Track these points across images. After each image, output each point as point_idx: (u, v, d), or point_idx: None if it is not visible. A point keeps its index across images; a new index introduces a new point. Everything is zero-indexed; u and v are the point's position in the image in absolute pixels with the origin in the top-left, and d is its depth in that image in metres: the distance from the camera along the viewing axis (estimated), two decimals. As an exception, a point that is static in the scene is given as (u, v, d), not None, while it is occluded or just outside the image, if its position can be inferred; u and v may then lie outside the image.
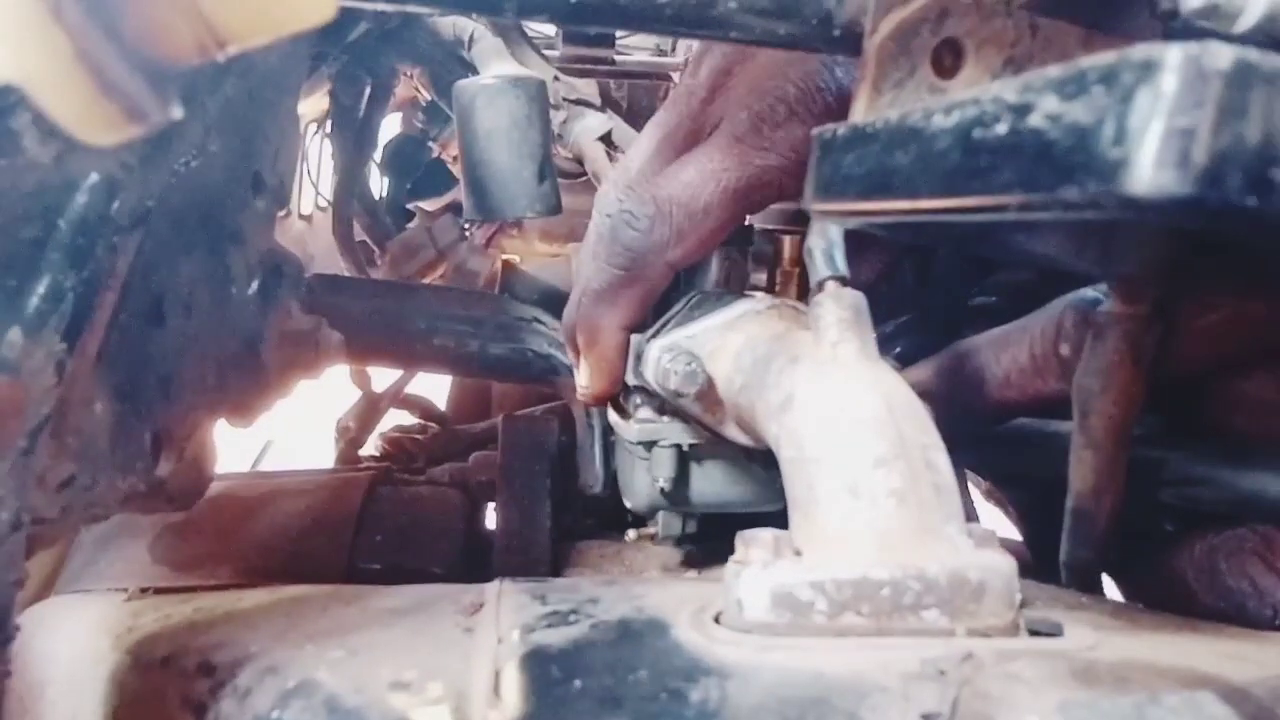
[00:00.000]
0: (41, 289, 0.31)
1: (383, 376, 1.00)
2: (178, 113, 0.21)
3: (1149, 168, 0.17)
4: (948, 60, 0.36)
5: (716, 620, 0.34)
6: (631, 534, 0.72)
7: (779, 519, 0.40)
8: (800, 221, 0.68)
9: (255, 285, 0.54)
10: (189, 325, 0.45)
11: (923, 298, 0.96)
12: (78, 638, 0.45)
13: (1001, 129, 0.21)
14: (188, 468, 0.47)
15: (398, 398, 0.98)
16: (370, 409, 0.95)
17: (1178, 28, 0.26)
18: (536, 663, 0.31)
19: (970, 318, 0.84)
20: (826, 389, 0.39)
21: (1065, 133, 0.19)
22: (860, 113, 0.34)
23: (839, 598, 0.33)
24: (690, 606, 0.36)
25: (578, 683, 0.29)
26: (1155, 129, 0.17)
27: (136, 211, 0.37)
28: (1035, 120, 0.20)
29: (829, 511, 0.36)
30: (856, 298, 0.43)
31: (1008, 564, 0.35)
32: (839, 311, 0.42)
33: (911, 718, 0.25)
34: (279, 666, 0.33)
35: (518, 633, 0.34)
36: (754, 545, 0.35)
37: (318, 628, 0.38)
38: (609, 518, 0.76)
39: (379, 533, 0.65)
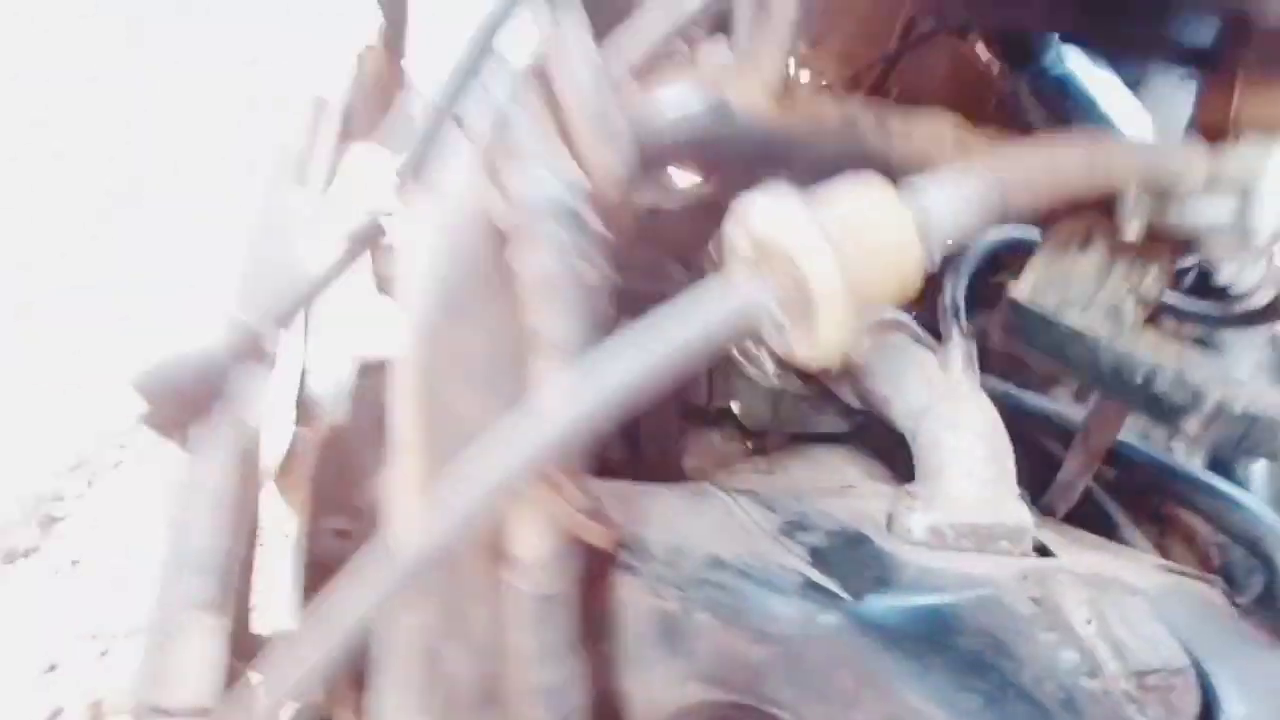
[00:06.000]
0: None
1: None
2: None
3: None
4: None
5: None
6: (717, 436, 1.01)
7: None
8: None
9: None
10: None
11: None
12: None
13: None
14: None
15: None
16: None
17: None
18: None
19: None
20: (956, 409, 0.67)
21: None
22: None
23: (958, 531, 0.63)
24: (872, 523, 0.65)
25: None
26: None
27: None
28: None
29: (952, 484, 0.66)
30: (971, 346, 0.70)
31: (1029, 517, 0.66)
32: (963, 357, 0.70)
33: (1022, 597, 0.55)
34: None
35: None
36: (909, 497, 0.64)
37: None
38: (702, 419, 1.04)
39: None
